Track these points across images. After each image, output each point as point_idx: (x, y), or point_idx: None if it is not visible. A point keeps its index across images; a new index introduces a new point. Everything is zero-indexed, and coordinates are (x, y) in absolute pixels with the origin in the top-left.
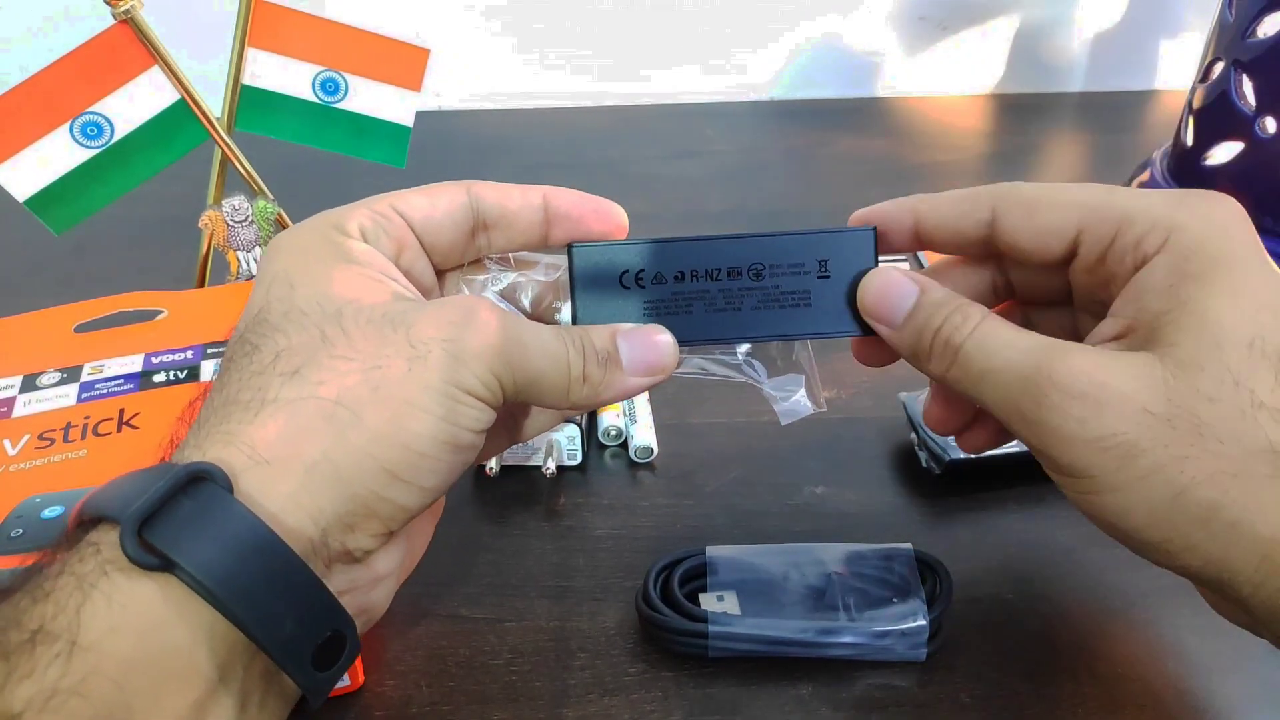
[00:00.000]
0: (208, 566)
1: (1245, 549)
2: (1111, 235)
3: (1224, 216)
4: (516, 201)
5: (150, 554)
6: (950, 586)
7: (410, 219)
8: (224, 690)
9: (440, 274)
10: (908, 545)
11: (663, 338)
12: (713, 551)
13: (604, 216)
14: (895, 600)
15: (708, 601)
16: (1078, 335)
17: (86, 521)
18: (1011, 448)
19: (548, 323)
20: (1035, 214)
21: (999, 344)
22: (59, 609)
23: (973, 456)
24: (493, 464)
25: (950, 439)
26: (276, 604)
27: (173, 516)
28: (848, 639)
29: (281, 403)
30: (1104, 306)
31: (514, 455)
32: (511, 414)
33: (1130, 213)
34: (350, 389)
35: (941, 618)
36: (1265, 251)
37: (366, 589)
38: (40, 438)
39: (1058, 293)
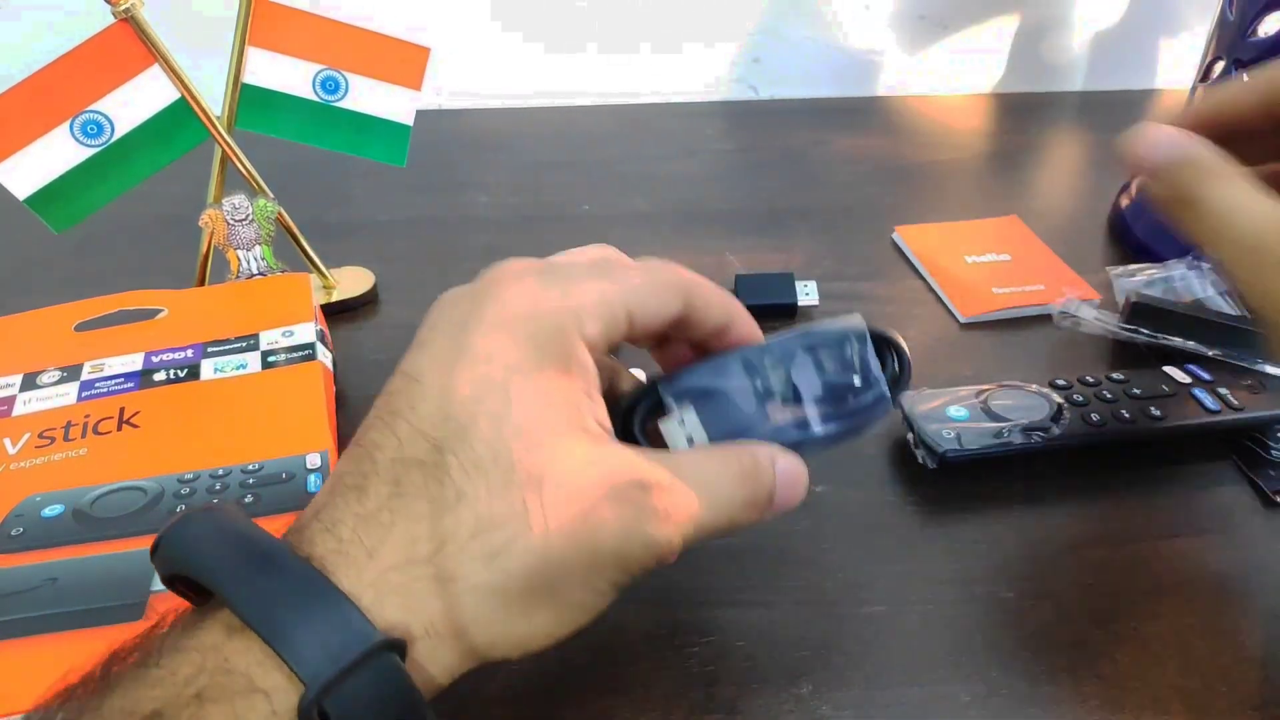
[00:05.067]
0: None
1: None
2: None
3: None
4: (715, 318)
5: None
6: (905, 354)
7: (635, 322)
8: None
9: None
10: (858, 319)
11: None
12: (664, 384)
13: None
14: (856, 379)
15: (670, 430)
16: None
17: (226, 623)
18: (1012, 444)
19: None
20: None
21: (1239, 205)
22: None
23: (967, 451)
24: None
25: (944, 433)
26: None
27: (352, 688)
28: (820, 430)
29: (470, 588)
30: None
31: None
32: None
33: None
34: (535, 590)
35: (900, 381)
36: None
37: None
38: (40, 436)
39: None
